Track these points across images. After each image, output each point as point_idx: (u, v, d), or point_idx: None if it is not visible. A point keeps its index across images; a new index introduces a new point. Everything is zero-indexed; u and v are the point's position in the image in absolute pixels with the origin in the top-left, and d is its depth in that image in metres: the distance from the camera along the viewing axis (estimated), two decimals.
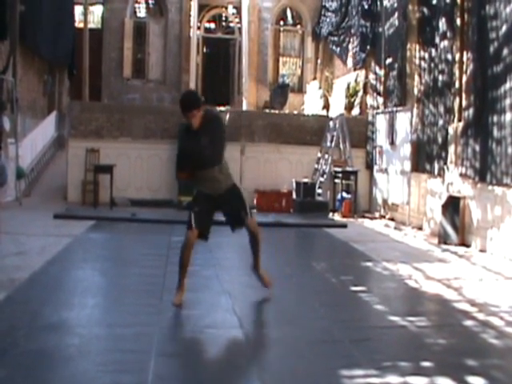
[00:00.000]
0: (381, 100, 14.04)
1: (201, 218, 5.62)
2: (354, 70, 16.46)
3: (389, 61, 13.52)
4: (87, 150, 13.49)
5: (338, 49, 17.99)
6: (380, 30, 14.12)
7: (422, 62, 11.75)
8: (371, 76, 14.87)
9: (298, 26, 23.62)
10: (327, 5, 19.46)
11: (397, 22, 13.08)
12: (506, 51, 8.77)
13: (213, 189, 5.68)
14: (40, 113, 17.42)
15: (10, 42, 13.39)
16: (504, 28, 8.84)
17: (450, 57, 10.54)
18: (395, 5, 13.27)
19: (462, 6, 10.27)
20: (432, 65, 11.25)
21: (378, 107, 14.15)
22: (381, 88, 14.07)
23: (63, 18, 18.20)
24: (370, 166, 14.25)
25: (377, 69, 14.35)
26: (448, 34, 10.57)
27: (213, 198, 5.67)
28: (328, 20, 19.24)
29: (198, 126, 5.50)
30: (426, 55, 11.54)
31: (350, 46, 16.71)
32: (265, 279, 6.08)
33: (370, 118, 14.54)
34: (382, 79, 13.91)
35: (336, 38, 18.19)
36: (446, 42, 10.66)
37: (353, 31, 16.22)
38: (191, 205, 5.79)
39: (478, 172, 9.55)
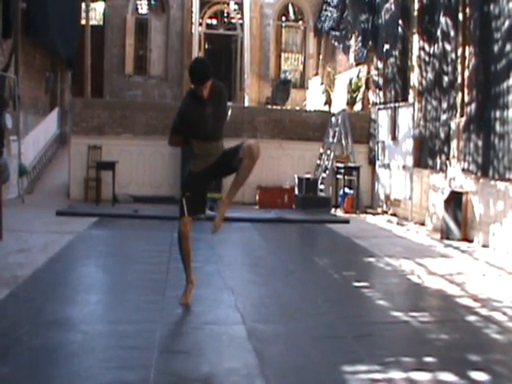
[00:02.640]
0: (382, 95, 14.01)
1: (193, 202, 5.35)
2: (357, 65, 16.43)
3: (386, 47, 13.46)
4: (89, 146, 13.50)
5: (341, 45, 17.96)
6: (380, 22, 14.07)
7: (423, 55, 11.72)
8: (373, 71, 14.83)
9: (300, 22, 23.61)
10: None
11: (396, 14, 13.02)
12: (508, 46, 8.75)
13: (208, 160, 5.39)
14: (42, 110, 17.44)
15: (12, 39, 13.41)
16: (507, 23, 8.81)
17: (452, 52, 10.51)
18: None
19: (464, 0, 10.25)
20: (434, 59, 11.23)
21: (380, 103, 14.13)
22: (382, 82, 14.04)
23: (70, 13, 18.22)
24: (372, 161, 14.23)
25: (378, 63, 14.31)
26: (450, 29, 10.55)
27: (206, 171, 5.41)
28: (329, 15, 19.20)
29: (207, 95, 5.20)
30: (429, 49, 11.50)
31: (352, 42, 16.68)
32: (219, 220, 5.37)
33: (372, 113, 14.53)
34: (384, 73, 13.88)
35: (338, 33, 18.16)
36: (448, 37, 10.63)
37: (354, 26, 16.15)
38: (182, 188, 5.57)
39: (480, 167, 9.54)
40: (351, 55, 16.94)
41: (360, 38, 15.60)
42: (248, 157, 5.14)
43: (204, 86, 5.13)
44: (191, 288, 5.48)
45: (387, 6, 13.45)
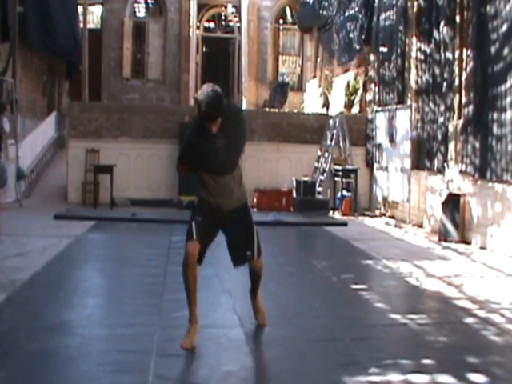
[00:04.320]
0: (380, 97, 14.01)
1: (203, 230, 4.61)
2: (358, 66, 16.41)
3: (383, 49, 13.47)
4: (87, 150, 13.49)
5: (330, 45, 17.98)
6: (379, 24, 14.07)
7: (422, 58, 11.72)
8: (371, 74, 14.83)
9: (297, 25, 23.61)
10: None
11: (395, 17, 13.02)
12: (506, 49, 8.75)
13: (219, 201, 4.70)
14: (40, 113, 17.45)
15: (10, 43, 13.41)
16: (504, 26, 8.82)
17: (449, 54, 10.52)
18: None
19: (461, 3, 10.26)
20: (431, 62, 11.24)
21: (377, 105, 14.13)
22: (380, 85, 14.04)
23: (67, 17, 18.21)
24: (369, 163, 14.24)
25: (376, 66, 14.30)
26: (448, 31, 10.56)
27: (217, 212, 4.71)
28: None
29: (217, 129, 4.48)
30: (426, 51, 11.50)
31: (342, 42, 16.69)
32: (260, 313, 5.05)
33: (369, 115, 14.53)
34: (381, 76, 13.88)
35: (327, 34, 18.21)
36: (445, 39, 10.64)
37: (351, 26, 16.11)
38: (193, 213, 4.74)
39: (478, 169, 9.55)
40: (342, 56, 16.98)
41: (355, 38, 15.55)
42: (252, 275, 5.01)
43: (215, 123, 4.46)
44: (196, 328, 4.57)
45: (388, 15, 13.40)
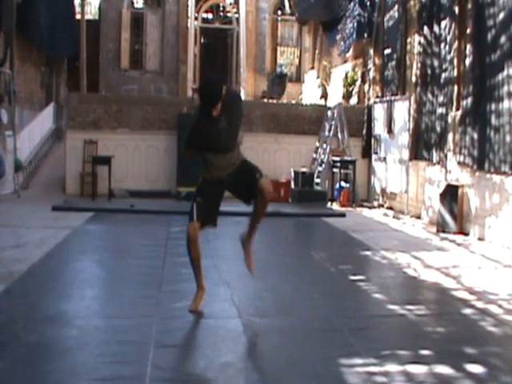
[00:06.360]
0: (379, 89, 14.00)
1: (204, 209, 5.06)
2: (355, 58, 16.38)
3: (387, 51, 13.46)
4: (85, 141, 13.47)
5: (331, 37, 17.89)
6: (378, 19, 14.04)
7: (421, 51, 11.69)
8: (370, 65, 14.81)
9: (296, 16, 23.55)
10: None
11: (396, 14, 12.98)
12: (503, 39, 8.74)
13: (222, 172, 5.12)
14: (38, 105, 17.42)
15: (6, 34, 13.37)
16: (501, 16, 8.81)
17: (448, 46, 10.50)
18: None
19: None
20: (430, 54, 11.21)
21: (376, 96, 14.10)
22: (379, 76, 14.01)
23: (64, 10, 18.14)
24: (365, 150, 14.20)
25: (375, 58, 14.28)
26: (446, 23, 10.54)
27: (220, 181, 5.13)
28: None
29: (218, 113, 4.90)
30: (425, 44, 11.48)
31: (339, 33, 16.65)
32: (250, 258, 5.31)
33: (368, 106, 14.49)
34: (381, 67, 13.85)
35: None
36: (444, 31, 10.62)
37: (349, 19, 16.08)
38: (194, 194, 5.21)
39: (476, 160, 9.54)
40: (339, 47, 16.92)
41: (350, 31, 15.51)
42: (260, 199, 5.04)
43: (215, 108, 4.88)
44: (202, 294, 5.14)
45: (390, 11, 13.36)
